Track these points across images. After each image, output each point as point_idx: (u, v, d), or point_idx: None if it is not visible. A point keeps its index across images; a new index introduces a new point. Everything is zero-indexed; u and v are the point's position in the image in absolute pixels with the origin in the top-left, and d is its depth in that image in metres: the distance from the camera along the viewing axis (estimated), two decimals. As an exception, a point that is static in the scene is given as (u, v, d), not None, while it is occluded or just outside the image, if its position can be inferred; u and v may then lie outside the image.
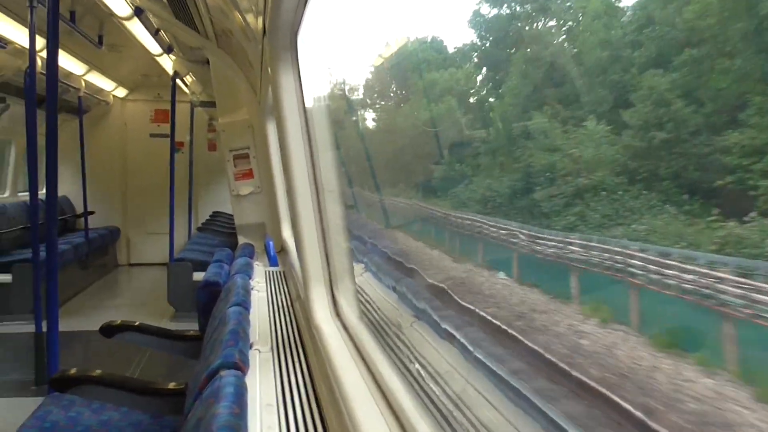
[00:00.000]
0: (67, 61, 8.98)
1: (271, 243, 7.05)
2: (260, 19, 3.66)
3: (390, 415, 2.15)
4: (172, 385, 3.73)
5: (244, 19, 4.53)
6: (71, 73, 9.72)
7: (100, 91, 11.64)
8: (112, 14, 6.82)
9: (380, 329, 3.41)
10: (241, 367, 2.60)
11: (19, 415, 3.86)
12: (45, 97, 4.94)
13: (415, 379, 2.53)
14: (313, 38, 3.38)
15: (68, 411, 3.52)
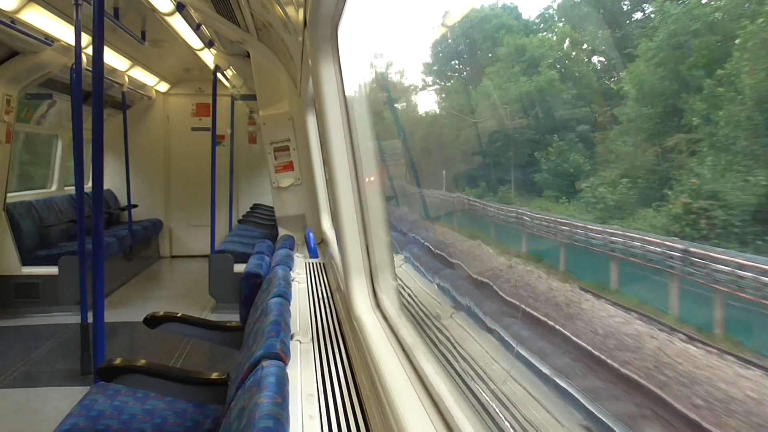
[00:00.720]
0: (111, 57, 9.13)
1: (311, 235, 7.08)
2: (301, 12, 3.66)
3: (431, 406, 2.14)
4: (214, 375, 3.77)
5: (285, 11, 4.55)
6: (115, 69, 9.89)
7: (143, 86, 11.82)
8: (154, 10, 6.91)
9: (420, 321, 3.40)
10: (282, 357, 2.62)
11: (66, 403, 3.96)
12: (90, 92, 5.02)
13: (455, 371, 2.51)
14: (356, 26, 3.37)
15: (113, 400, 3.59)
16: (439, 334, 3.12)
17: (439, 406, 2.11)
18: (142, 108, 12.73)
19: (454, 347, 2.81)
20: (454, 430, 1.94)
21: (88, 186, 9.21)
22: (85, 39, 6.37)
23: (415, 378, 2.38)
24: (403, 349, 2.65)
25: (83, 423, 3.34)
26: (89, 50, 5.27)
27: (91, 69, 5.01)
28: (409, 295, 3.89)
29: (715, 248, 2.50)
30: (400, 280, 3.83)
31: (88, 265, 5.67)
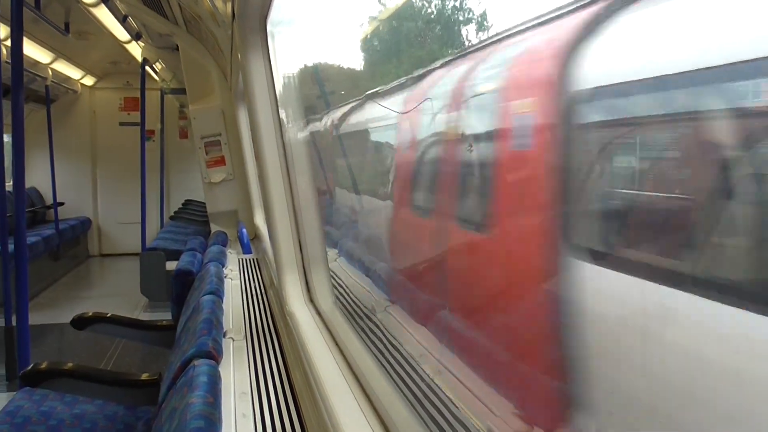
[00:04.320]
0: (32, 50, 8.80)
1: (244, 230, 7.00)
2: (229, 4, 3.61)
3: (364, 399, 2.15)
4: (145, 376, 3.70)
5: (213, 4, 4.47)
6: (38, 62, 9.53)
7: (68, 79, 11.42)
8: (78, 0, 6.69)
9: (354, 314, 3.41)
10: (214, 356, 2.58)
11: (-10, 410, 3.81)
12: (10, 86, 4.85)
13: (389, 362, 2.53)
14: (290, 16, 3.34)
15: (40, 405, 3.48)
16: (374, 328, 3.13)
17: (372, 399, 2.12)
18: (67, 102, 12.30)
19: (389, 340, 2.83)
20: (387, 423, 1.95)
21: (11, 184, 8.89)
22: (4, 30, 6.13)
23: (348, 371, 2.38)
24: (337, 344, 2.65)
25: (8, 430, 3.23)
26: (9, 42, 5.08)
27: (10, 61, 4.84)
28: (343, 289, 3.89)
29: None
30: (335, 274, 3.82)
31: (11, 266, 5.48)
